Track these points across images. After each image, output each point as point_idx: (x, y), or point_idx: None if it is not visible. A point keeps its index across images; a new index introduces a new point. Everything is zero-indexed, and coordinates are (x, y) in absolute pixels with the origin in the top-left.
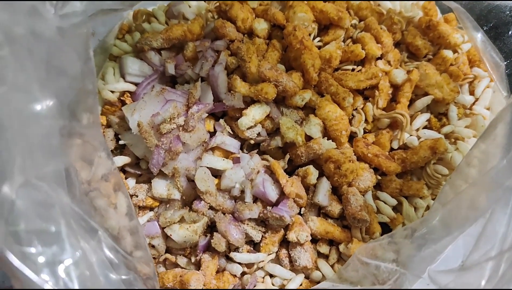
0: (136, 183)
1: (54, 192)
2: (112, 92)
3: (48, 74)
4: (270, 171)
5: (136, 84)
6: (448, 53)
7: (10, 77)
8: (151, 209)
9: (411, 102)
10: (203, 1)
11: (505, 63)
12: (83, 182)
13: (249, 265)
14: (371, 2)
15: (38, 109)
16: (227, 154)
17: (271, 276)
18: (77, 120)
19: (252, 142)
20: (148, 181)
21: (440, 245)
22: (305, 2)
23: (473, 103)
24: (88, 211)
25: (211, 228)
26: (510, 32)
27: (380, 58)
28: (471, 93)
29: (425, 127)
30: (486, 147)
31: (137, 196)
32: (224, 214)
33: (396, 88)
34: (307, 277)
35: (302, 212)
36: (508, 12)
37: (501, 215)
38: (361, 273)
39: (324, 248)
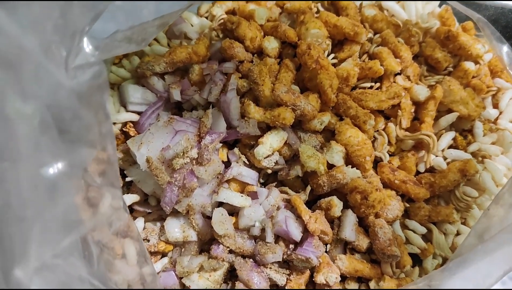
0: (145, 222)
1: (71, 268)
2: (114, 123)
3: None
4: (290, 205)
5: (139, 113)
6: (470, 65)
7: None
8: (164, 254)
9: (434, 119)
10: (206, 19)
11: None
12: (98, 243)
13: None
14: (386, 12)
15: (53, 179)
16: (243, 185)
17: None
18: (93, 180)
19: (269, 171)
20: (159, 219)
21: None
22: (317, 16)
23: (497, 118)
24: (105, 278)
25: (230, 271)
26: None
27: (399, 73)
28: (495, 106)
29: (450, 146)
30: None
31: (148, 241)
32: (244, 258)
33: (418, 105)
34: None
35: (327, 249)
36: None
37: None
38: None
39: (352, 285)
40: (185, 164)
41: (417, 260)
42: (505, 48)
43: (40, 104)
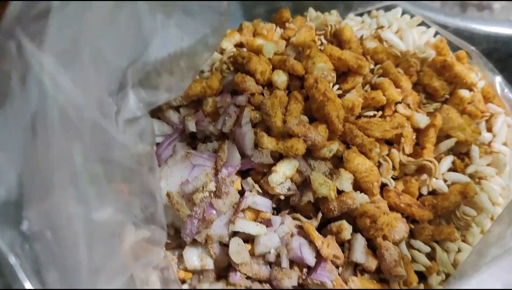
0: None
1: None
2: None
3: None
4: (303, 232)
5: (156, 144)
6: (465, 93)
7: None
8: (183, 281)
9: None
10: (216, 52)
11: None
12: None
13: None
14: (385, 43)
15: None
16: (257, 212)
17: None
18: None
19: (282, 197)
20: (177, 248)
21: None
22: (322, 50)
23: (491, 141)
24: None
25: None
26: None
27: (399, 102)
28: (488, 130)
29: (449, 169)
30: None
31: (168, 270)
32: (260, 282)
33: (418, 131)
34: None
35: (339, 272)
36: None
37: None
38: None
39: None
40: (205, 197)
41: (422, 277)
42: (498, 78)
43: (95, 158)
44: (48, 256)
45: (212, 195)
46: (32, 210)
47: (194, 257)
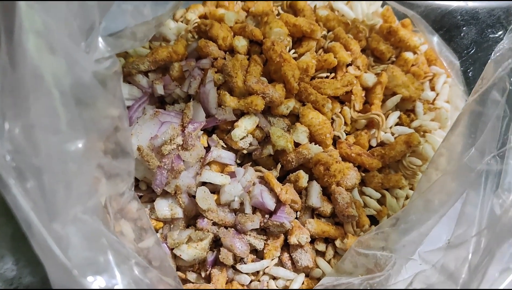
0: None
1: (96, 223)
2: None
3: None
4: (264, 181)
5: (127, 108)
6: (409, 55)
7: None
8: (156, 231)
9: (382, 102)
10: (182, 23)
11: (459, 61)
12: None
13: (255, 273)
14: (337, 13)
15: (73, 149)
16: (222, 166)
17: (274, 278)
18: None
19: (245, 152)
20: (149, 201)
21: (424, 229)
22: (279, 18)
23: (435, 98)
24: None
25: (215, 241)
26: (462, 34)
27: (350, 64)
28: (432, 89)
29: (396, 124)
30: (454, 139)
31: (141, 219)
32: (226, 228)
33: (367, 90)
34: (307, 276)
35: (297, 216)
36: (459, 17)
37: (476, 196)
38: (359, 264)
39: (321, 246)
40: (172, 150)
41: (374, 221)
42: (435, 38)
43: (69, 82)
44: (27, 167)
45: (179, 148)
46: (12, 124)
47: (164, 207)
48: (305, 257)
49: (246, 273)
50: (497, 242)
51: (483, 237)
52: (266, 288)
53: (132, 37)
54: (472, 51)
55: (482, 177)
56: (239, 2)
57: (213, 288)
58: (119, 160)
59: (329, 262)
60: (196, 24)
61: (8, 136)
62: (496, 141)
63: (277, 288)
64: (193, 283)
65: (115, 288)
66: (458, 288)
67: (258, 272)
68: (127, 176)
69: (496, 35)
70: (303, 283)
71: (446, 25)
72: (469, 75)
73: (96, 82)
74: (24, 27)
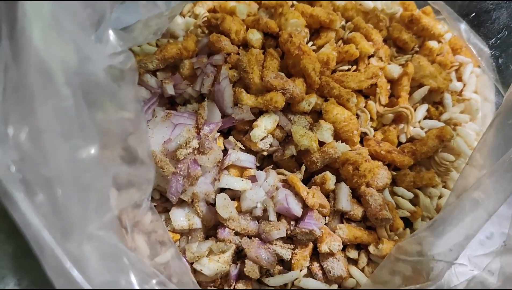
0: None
1: (115, 241)
2: None
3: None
4: (288, 185)
5: None
6: (433, 44)
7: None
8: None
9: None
10: (190, 18)
11: (489, 48)
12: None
13: (283, 285)
14: (355, 2)
15: (86, 156)
16: (242, 170)
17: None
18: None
19: (265, 153)
20: (164, 212)
21: (472, 230)
22: (294, 8)
23: (462, 89)
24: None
25: (238, 252)
26: (492, 18)
27: (372, 55)
28: (459, 79)
29: (425, 118)
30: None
31: (156, 232)
32: (250, 237)
33: (392, 82)
34: (340, 286)
35: (326, 222)
36: (489, 1)
37: None
38: (397, 272)
39: (353, 253)
40: (188, 154)
41: (408, 223)
42: (462, 25)
43: (79, 80)
44: (36, 179)
45: (195, 151)
46: (17, 129)
47: (181, 217)
48: (337, 266)
49: (273, 287)
50: None
51: None
52: None
53: (146, 30)
54: (504, 36)
55: None
56: None
57: None
58: (136, 167)
59: (362, 270)
60: (205, 18)
61: (13, 143)
62: None
63: None
64: None
65: None
66: None
67: (286, 284)
68: (146, 185)
69: None
70: None
71: (474, 10)
72: (500, 62)
73: (109, 79)
74: (29, 16)
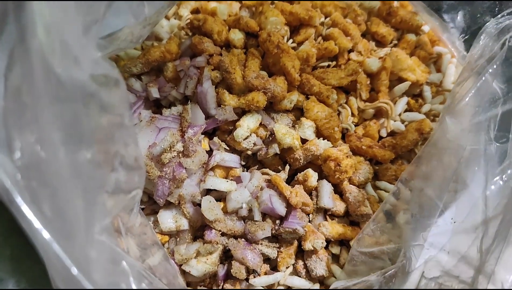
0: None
1: (113, 245)
2: None
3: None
4: (272, 185)
5: None
6: (411, 37)
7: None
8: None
9: (388, 89)
10: (174, 20)
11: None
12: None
13: (269, 285)
14: None
15: (83, 160)
16: (227, 170)
17: (289, 288)
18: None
19: (249, 152)
20: (152, 214)
21: (426, 212)
22: (274, 6)
23: (441, 81)
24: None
25: (225, 252)
26: (462, 13)
27: (351, 50)
28: (438, 70)
29: (405, 111)
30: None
31: (145, 234)
32: (236, 238)
33: (372, 77)
34: (322, 284)
35: (310, 219)
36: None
37: (479, 175)
38: (368, 263)
39: (335, 249)
40: (173, 157)
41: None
42: (435, 19)
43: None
44: (39, 185)
45: (180, 155)
46: (21, 140)
47: (169, 219)
48: (320, 266)
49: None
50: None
51: (492, 217)
52: None
53: (128, 38)
54: (475, 28)
55: (482, 156)
56: None
57: None
58: (128, 172)
59: (343, 266)
60: (188, 20)
61: (19, 150)
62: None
63: None
64: None
65: None
66: (473, 271)
67: (273, 284)
68: (137, 189)
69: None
70: None
71: (443, 6)
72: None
73: (97, 85)
74: (34, 19)
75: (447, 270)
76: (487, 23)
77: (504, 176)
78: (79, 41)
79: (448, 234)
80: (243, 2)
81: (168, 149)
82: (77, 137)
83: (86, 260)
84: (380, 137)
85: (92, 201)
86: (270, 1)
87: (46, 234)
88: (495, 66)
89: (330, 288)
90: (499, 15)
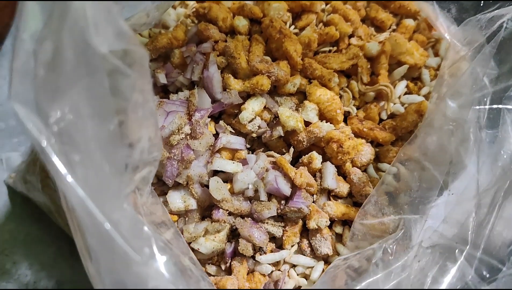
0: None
1: (134, 213)
2: None
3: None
4: (277, 166)
5: None
6: (409, 22)
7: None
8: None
9: (388, 72)
10: (181, 8)
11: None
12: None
13: (275, 263)
14: None
15: (111, 130)
16: (233, 152)
17: (294, 266)
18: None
19: (254, 135)
20: (162, 195)
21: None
22: None
23: (439, 64)
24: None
25: (232, 231)
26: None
27: (352, 35)
28: (436, 54)
29: (405, 93)
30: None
31: (155, 214)
32: (243, 217)
33: (372, 60)
34: (326, 262)
35: (314, 200)
36: None
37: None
38: (369, 236)
39: (339, 229)
40: (181, 139)
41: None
42: (431, 5)
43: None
44: (72, 150)
45: (188, 137)
46: (54, 108)
47: (177, 200)
48: (324, 245)
49: (266, 263)
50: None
51: (485, 190)
52: (288, 277)
53: (143, 19)
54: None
55: (475, 137)
56: None
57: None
58: (149, 146)
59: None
60: (194, 9)
61: (53, 117)
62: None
63: (298, 278)
64: (213, 276)
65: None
66: (469, 239)
67: (278, 261)
68: (153, 166)
69: None
70: (322, 271)
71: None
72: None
73: (124, 62)
74: None
75: (445, 237)
76: (471, 17)
77: (497, 156)
78: (108, 17)
79: (446, 206)
80: None
81: (177, 131)
82: (105, 109)
83: (115, 221)
84: (381, 120)
85: (118, 170)
86: None
87: (80, 192)
88: (481, 55)
89: (332, 263)
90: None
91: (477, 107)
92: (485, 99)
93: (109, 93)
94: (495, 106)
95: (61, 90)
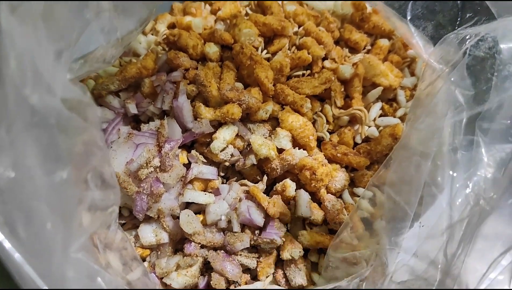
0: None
1: (90, 262)
2: None
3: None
4: (250, 196)
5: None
6: (384, 42)
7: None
8: (143, 259)
9: (362, 95)
10: (152, 35)
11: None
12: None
13: None
14: (305, 6)
15: (59, 180)
16: (206, 182)
17: None
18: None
19: (227, 163)
20: (134, 228)
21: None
22: (247, 18)
23: (416, 84)
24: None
25: (206, 263)
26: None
27: (325, 58)
28: (412, 74)
29: (380, 115)
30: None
31: (126, 249)
32: (216, 250)
33: (346, 83)
34: None
35: (288, 228)
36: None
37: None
38: (342, 267)
39: (314, 257)
40: (150, 173)
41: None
42: (406, 24)
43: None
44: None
45: (157, 170)
46: None
47: (149, 234)
48: (298, 275)
49: None
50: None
51: (457, 222)
52: None
53: (101, 58)
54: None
55: (449, 162)
56: (207, 6)
57: None
58: (103, 190)
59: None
60: (165, 36)
61: None
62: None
63: None
64: None
65: None
66: (440, 274)
67: None
68: (113, 207)
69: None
70: None
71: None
72: None
73: (67, 107)
74: (6, 49)
75: (416, 273)
76: (448, 34)
77: (469, 183)
78: (51, 67)
79: (417, 238)
80: (217, 15)
81: (145, 165)
82: (53, 158)
83: (62, 278)
84: (356, 144)
85: (69, 220)
86: (244, 12)
87: (18, 256)
88: (457, 74)
89: None
90: (459, 28)
91: (452, 129)
92: (460, 120)
93: (59, 142)
94: (470, 126)
95: (3, 145)
